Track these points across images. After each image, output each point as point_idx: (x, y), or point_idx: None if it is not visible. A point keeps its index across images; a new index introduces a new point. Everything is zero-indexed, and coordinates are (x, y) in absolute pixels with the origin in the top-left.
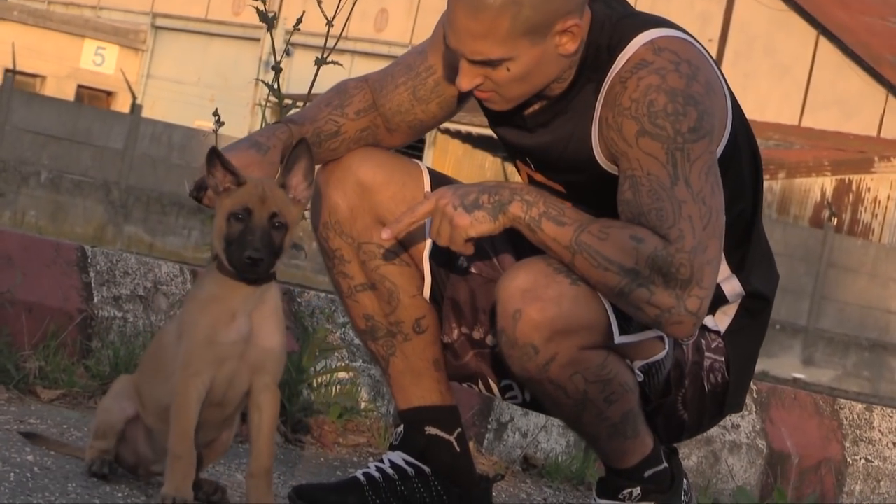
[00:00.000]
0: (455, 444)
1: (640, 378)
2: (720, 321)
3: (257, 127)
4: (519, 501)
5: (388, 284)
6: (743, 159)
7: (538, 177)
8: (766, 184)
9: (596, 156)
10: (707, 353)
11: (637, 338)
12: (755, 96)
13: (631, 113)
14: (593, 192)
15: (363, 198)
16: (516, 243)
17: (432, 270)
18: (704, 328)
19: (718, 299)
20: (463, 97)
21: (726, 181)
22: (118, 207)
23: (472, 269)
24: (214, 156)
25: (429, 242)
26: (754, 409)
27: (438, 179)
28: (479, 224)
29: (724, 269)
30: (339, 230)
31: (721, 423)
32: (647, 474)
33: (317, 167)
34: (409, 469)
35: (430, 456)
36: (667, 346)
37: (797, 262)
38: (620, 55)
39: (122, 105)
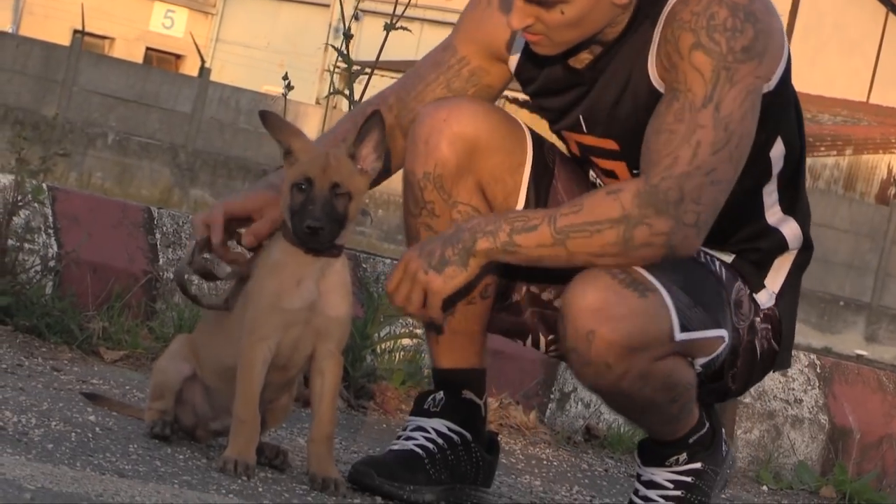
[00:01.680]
0: (482, 408)
1: (699, 370)
2: (774, 281)
3: (325, 93)
4: (580, 472)
5: None
6: (791, 101)
7: (589, 139)
8: (832, 160)
9: (653, 81)
10: (759, 327)
11: (698, 335)
12: (823, 72)
13: (690, 25)
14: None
15: (472, 158)
16: (619, 123)
17: None
18: (756, 306)
19: (779, 246)
20: (499, 87)
21: (780, 119)
22: (184, 171)
23: None
24: (268, 120)
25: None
26: (817, 384)
27: (538, 142)
28: (452, 280)
29: (777, 211)
30: (440, 184)
31: (784, 397)
32: (691, 440)
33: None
34: (455, 437)
35: (468, 422)
36: (726, 340)
37: (862, 238)
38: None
39: (190, 69)
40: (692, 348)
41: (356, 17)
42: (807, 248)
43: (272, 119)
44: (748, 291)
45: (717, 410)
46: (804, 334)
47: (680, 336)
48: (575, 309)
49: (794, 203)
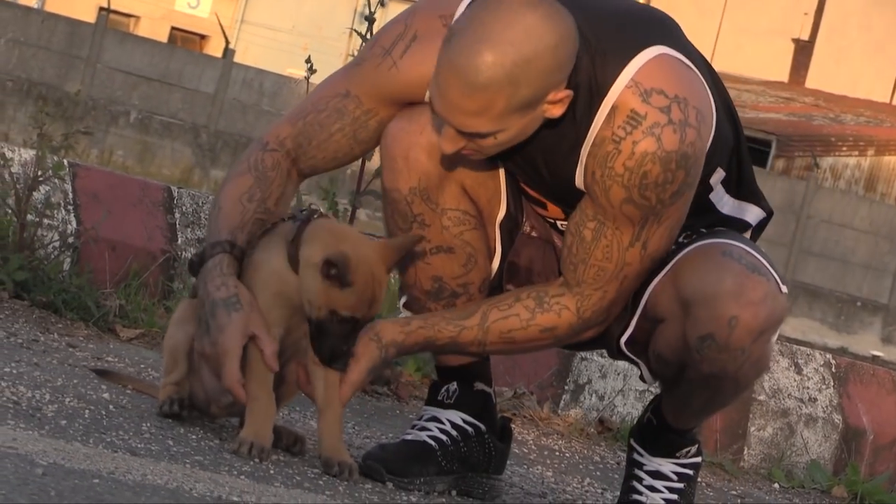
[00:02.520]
0: (493, 396)
1: None
2: None
3: None
4: (592, 464)
5: (469, 249)
6: (724, 122)
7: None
8: (854, 160)
9: (576, 180)
10: None
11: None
12: (848, 72)
13: (623, 181)
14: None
15: (451, 164)
16: (563, 197)
17: (500, 235)
18: None
19: (743, 228)
20: None
21: (714, 151)
22: (206, 151)
23: (533, 234)
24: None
25: (502, 211)
26: (832, 384)
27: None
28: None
29: (728, 201)
30: (426, 196)
31: (798, 395)
32: (695, 429)
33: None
34: (469, 429)
35: (483, 413)
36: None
37: (882, 239)
38: (603, 103)
39: (214, 49)
40: None
41: (382, 3)
42: (768, 216)
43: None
44: None
45: None
46: (821, 333)
47: (784, 289)
48: (713, 295)
49: (740, 187)
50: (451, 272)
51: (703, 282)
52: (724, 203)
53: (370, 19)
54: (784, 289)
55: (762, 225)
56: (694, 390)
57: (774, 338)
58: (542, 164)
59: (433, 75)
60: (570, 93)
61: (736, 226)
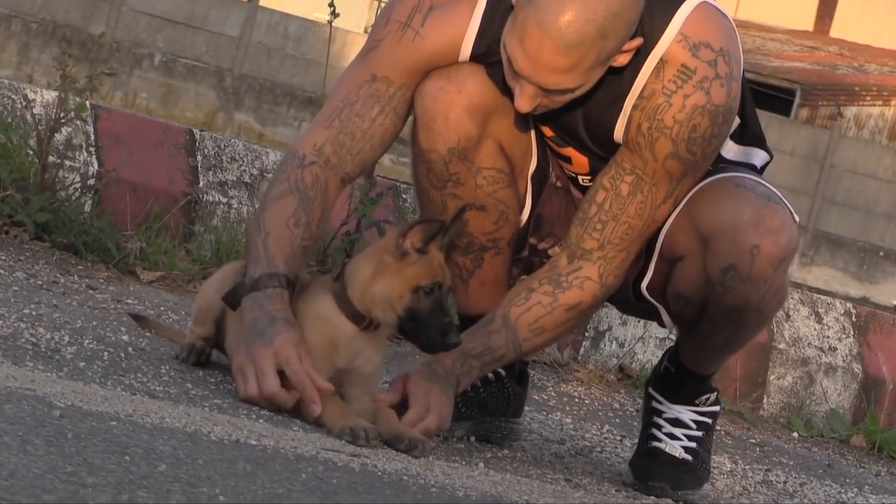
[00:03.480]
0: None
1: None
2: None
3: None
4: (612, 411)
5: (502, 207)
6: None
7: (547, 131)
8: (878, 110)
9: (615, 133)
10: None
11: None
12: (873, 22)
13: (672, 134)
14: (608, 153)
15: (489, 123)
16: (594, 151)
17: (532, 189)
18: None
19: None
20: None
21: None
22: (230, 95)
23: (558, 184)
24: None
25: (533, 164)
26: (852, 333)
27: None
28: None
29: (732, 146)
30: (464, 156)
31: (818, 344)
32: (714, 376)
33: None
34: (489, 374)
35: None
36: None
37: None
38: (651, 55)
39: None
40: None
41: None
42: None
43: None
44: None
45: None
46: (842, 283)
47: (798, 217)
48: (734, 225)
49: (744, 133)
50: (481, 228)
51: (721, 214)
52: (729, 149)
53: None
54: (797, 217)
55: (764, 168)
56: (716, 327)
57: (792, 267)
58: (580, 116)
59: (513, 37)
60: (640, 41)
61: (742, 170)
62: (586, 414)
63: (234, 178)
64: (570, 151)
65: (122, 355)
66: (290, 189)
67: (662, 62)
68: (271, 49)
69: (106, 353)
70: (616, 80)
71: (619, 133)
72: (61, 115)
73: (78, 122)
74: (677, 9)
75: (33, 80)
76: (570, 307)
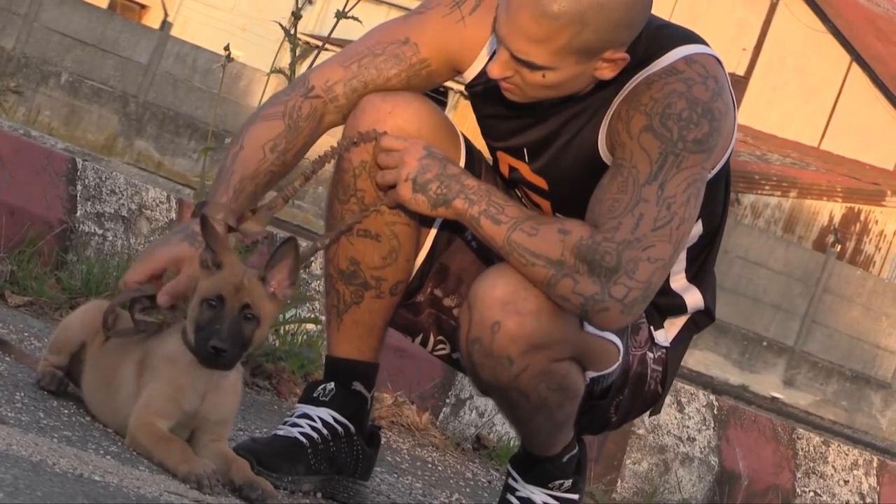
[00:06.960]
0: (369, 401)
1: (587, 382)
2: (669, 332)
3: (285, 62)
4: (464, 479)
5: (395, 242)
6: (723, 183)
7: (524, 169)
8: (775, 200)
9: (599, 147)
10: (651, 365)
11: (598, 333)
12: (780, 112)
13: (646, 109)
14: (580, 190)
15: None
16: (555, 164)
17: (435, 236)
18: (653, 341)
19: (678, 309)
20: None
21: (707, 201)
22: (132, 120)
23: (473, 243)
24: (205, 226)
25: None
26: (712, 425)
27: (469, 150)
28: (416, 205)
29: (682, 279)
30: (373, 175)
31: (677, 433)
32: (565, 458)
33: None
34: (339, 428)
35: (355, 415)
36: (619, 360)
37: (794, 282)
38: (654, 63)
39: (153, 21)
40: (589, 354)
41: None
42: (707, 314)
43: (209, 228)
44: (647, 323)
45: (584, 440)
46: (723, 369)
47: (587, 328)
48: (483, 299)
49: (699, 274)
50: (370, 260)
51: (481, 283)
52: (678, 278)
53: (296, 14)
54: (621, 348)
55: (700, 322)
56: (499, 404)
57: (567, 359)
58: (568, 131)
59: None
60: (626, 56)
61: (672, 303)
62: (437, 480)
63: (112, 211)
64: (540, 201)
65: None
66: (283, 113)
67: (649, 81)
68: (178, 79)
69: None
70: (601, 96)
71: (601, 136)
72: None
73: None
74: (685, 45)
75: None
76: (561, 229)
